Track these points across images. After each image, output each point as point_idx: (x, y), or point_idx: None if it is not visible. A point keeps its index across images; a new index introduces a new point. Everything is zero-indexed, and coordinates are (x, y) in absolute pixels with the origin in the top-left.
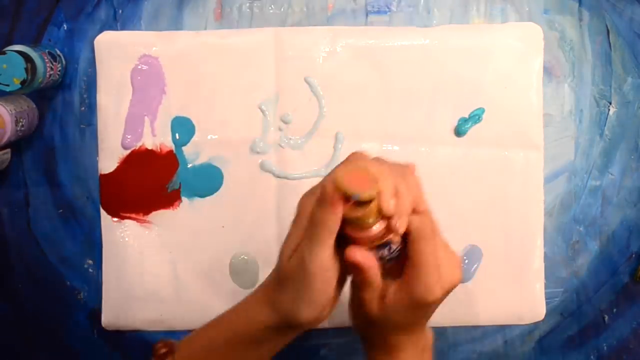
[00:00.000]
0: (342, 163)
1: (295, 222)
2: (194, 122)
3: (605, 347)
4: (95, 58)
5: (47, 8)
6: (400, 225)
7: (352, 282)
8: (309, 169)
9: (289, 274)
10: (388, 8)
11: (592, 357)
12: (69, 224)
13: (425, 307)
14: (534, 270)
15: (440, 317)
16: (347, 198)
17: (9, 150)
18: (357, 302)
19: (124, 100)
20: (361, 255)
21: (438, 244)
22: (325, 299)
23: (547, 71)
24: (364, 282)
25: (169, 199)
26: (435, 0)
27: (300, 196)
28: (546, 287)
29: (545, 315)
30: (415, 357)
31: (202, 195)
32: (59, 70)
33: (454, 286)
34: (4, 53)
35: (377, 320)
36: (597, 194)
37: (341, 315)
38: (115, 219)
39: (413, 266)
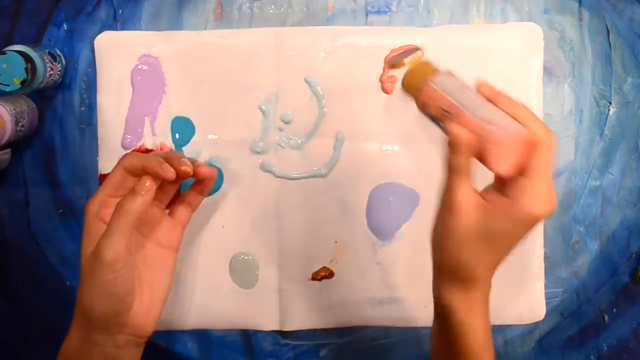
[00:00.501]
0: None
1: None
2: (194, 122)
3: (605, 347)
4: (95, 58)
5: (47, 8)
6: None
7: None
8: (309, 169)
9: (87, 268)
10: (388, 8)
11: (592, 357)
12: (69, 224)
13: (524, 223)
14: (534, 270)
15: None
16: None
17: (9, 150)
18: (449, 204)
19: (124, 100)
20: (457, 127)
21: (549, 166)
22: (119, 291)
23: (547, 71)
24: (458, 151)
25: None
26: (435, 0)
27: (300, 196)
28: (546, 287)
29: (545, 315)
30: (483, 301)
31: None
32: (59, 70)
33: (551, 212)
34: (4, 53)
35: (475, 235)
36: (597, 194)
37: (342, 315)
38: None
39: (529, 177)
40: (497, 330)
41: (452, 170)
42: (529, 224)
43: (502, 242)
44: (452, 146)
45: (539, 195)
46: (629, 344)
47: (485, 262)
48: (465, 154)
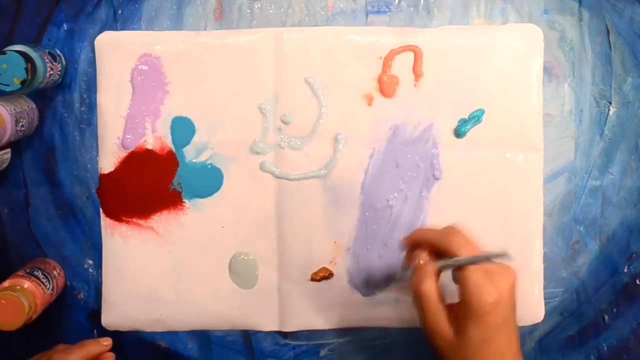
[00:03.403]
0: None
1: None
2: (194, 122)
3: (605, 347)
4: (96, 58)
5: (47, 8)
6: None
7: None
8: (309, 169)
9: None
10: (388, 8)
11: (592, 357)
12: (69, 224)
13: (491, 312)
14: (533, 272)
15: None
16: None
17: (9, 150)
18: (434, 341)
19: (124, 100)
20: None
21: (475, 253)
22: None
23: (547, 71)
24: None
25: (169, 200)
26: (435, 0)
27: (299, 196)
28: (546, 287)
29: (545, 315)
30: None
31: (202, 196)
32: (59, 70)
33: (510, 283)
34: (4, 53)
35: (459, 348)
36: (597, 194)
37: (342, 315)
38: (116, 222)
39: (462, 279)
40: None
41: (419, 296)
42: (489, 314)
43: (481, 341)
44: (418, 270)
45: (475, 283)
46: (629, 344)
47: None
48: (429, 276)
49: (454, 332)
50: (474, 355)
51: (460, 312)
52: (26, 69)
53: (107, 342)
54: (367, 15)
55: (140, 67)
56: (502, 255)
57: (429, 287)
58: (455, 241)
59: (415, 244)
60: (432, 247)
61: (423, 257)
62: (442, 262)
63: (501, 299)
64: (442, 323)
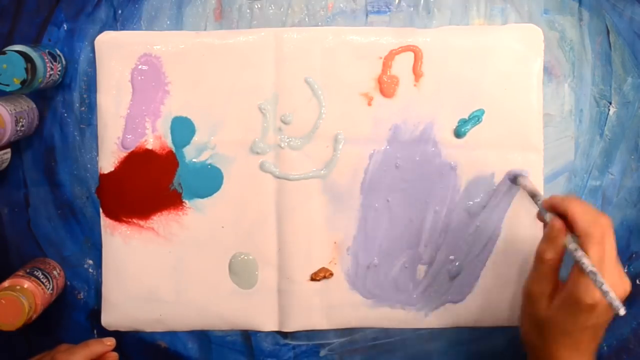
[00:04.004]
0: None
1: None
2: (194, 122)
3: (605, 347)
4: (96, 58)
5: (47, 8)
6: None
7: (527, 285)
8: (309, 169)
9: None
10: (388, 8)
11: None
12: (69, 224)
13: (585, 311)
14: None
15: (441, 317)
16: None
17: (9, 150)
18: (529, 302)
19: (124, 100)
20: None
21: (606, 254)
22: None
23: (547, 71)
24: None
25: (169, 200)
26: (435, 0)
27: (299, 197)
28: None
29: None
30: None
31: (202, 196)
32: (59, 70)
33: (603, 301)
34: (4, 53)
35: (544, 322)
36: (597, 194)
37: (341, 316)
38: (116, 222)
39: (577, 267)
40: (501, 330)
41: (538, 259)
42: (583, 312)
43: (565, 329)
44: (548, 238)
45: (586, 283)
46: (629, 344)
47: (554, 347)
48: (555, 249)
49: (550, 303)
50: (554, 336)
51: (562, 292)
52: (26, 69)
53: (110, 342)
54: (367, 15)
55: (140, 67)
56: (614, 303)
57: (553, 256)
58: (594, 233)
59: (560, 211)
60: (573, 225)
61: (559, 228)
62: (572, 247)
63: (597, 307)
64: (547, 291)
